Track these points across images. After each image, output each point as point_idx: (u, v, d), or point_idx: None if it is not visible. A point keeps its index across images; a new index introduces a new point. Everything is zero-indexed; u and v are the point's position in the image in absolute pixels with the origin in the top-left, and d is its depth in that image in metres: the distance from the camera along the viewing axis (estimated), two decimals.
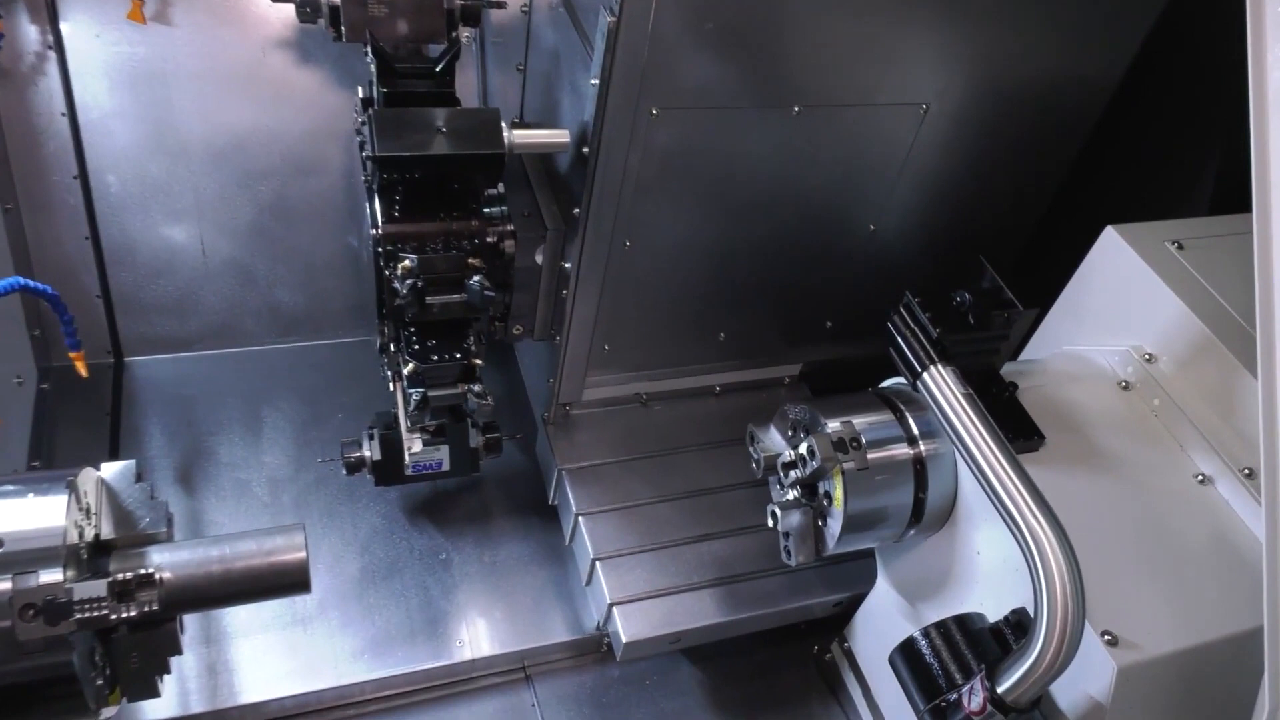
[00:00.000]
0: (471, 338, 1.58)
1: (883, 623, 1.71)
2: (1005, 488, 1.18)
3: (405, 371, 1.54)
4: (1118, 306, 1.64)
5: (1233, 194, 1.93)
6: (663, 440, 1.95)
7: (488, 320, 1.67)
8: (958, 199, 1.87)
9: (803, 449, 1.44)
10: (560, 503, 1.91)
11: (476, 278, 1.45)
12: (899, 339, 1.35)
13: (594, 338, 1.80)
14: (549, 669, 1.89)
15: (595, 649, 1.90)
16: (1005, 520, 1.19)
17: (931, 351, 1.30)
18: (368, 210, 1.55)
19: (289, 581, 1.18)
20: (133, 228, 2.10)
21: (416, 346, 1.54)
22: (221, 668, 1.73)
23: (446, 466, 1.88)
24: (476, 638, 1.85)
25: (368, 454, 1.83)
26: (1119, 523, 1.38)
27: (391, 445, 1.81)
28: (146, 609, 1.02)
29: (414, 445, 1.70)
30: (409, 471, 1.85)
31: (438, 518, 2.03)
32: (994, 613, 1.39)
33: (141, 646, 1.05)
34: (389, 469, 1.84)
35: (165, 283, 2.17)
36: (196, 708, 1.68)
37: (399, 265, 1.45)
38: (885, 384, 1.60)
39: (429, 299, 1.44)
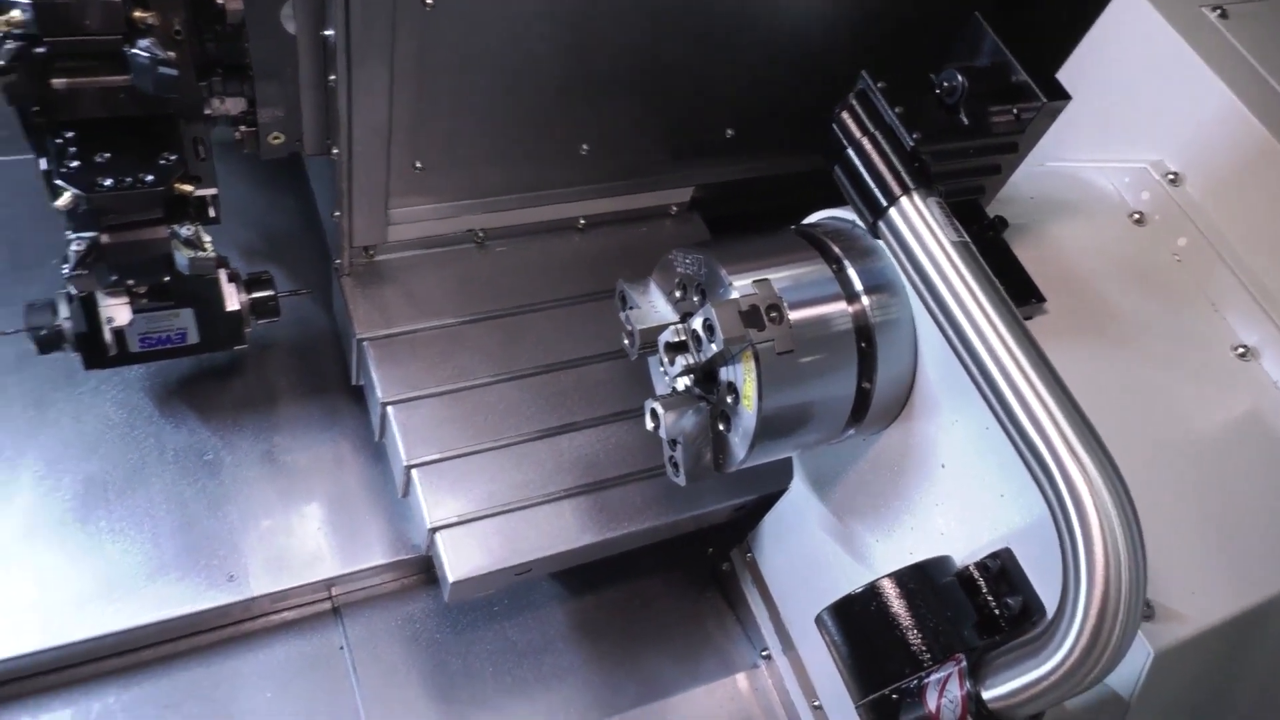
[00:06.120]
0: (178, 146, 0.99)
1: (798, 534, 1.31)
2: (1028, 408, 0.73)
3: (59, 204, 0.95)
4: (1132, 101, 1.18)
5: None
6: (506, 295, 1.43)
7: (209, 119, 1.06)
8: None
9: (697, 324, 0.96)
10: (365, 385, 1.39)
11: (145, 42, 0.85)
12: (850, 151, 0.84)
13: (393, 150, 1.23)
14: (363, 599, 1.44)
15: (425, 569, 1.45)
16: (1023, 454, 0.74)
17: (904, 173, 0.80)
18: None
19: None
20: None
21: (76, 163, 0.95)
22: None
23: (195, 339, 1.33)
24: (256, 566, 1.36)
25: (66, 323, 1.25)
26: (1139, 429, 0.97)
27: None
28: None
29: (117, 315, 1.13)
30: (137, 348, 1.29)
31: (201, 403, 1.48)
32: (959, 547, 0.98)
33: None
34: (101, 345, 1.27)
35: None
36: None
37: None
38: (812, 218, 1.11)
39: (55, 81, 0.83)
